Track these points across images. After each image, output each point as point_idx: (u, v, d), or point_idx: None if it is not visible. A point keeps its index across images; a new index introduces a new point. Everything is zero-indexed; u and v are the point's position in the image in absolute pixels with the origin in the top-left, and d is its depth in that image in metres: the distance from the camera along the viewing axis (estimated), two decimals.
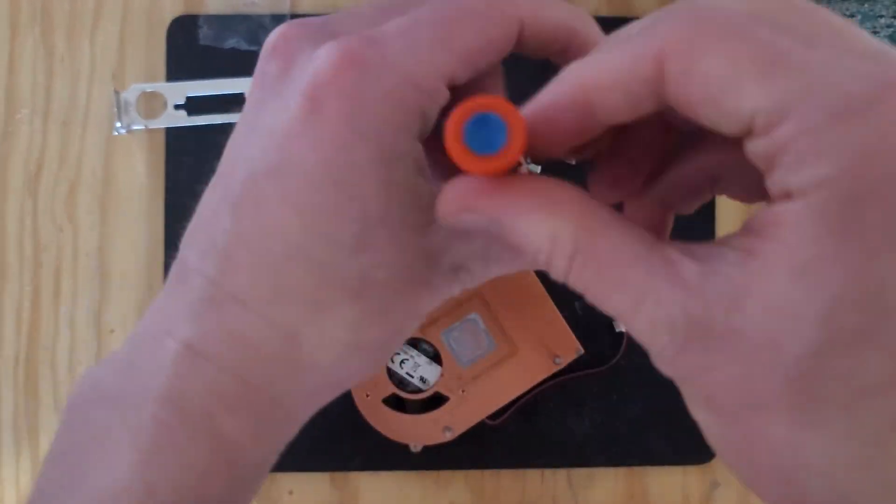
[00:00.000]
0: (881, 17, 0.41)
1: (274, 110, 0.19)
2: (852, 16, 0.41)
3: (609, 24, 0.42)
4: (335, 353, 0.21)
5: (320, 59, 0.19)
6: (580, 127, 0.17)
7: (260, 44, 0.40)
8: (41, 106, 0.40)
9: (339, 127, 0.19)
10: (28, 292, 0.40)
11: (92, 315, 0.40)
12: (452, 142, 0.16)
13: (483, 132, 0.16)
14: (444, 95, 0.20)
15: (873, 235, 0.14)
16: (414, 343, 0.38)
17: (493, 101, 0.16)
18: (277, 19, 0.40)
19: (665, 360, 0.17)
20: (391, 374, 0.38)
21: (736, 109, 0.15)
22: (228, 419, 0.20)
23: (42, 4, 0.41)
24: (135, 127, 0.40)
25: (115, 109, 0.39)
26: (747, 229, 0.16)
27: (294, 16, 0.40)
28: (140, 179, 0.40)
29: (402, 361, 0.38)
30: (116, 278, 0.40)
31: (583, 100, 0.17)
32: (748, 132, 0.15)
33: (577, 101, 0.17)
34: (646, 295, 0.16)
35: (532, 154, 0.19)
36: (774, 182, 0.15)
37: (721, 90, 0.15)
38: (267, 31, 0.40)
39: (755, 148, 0.15)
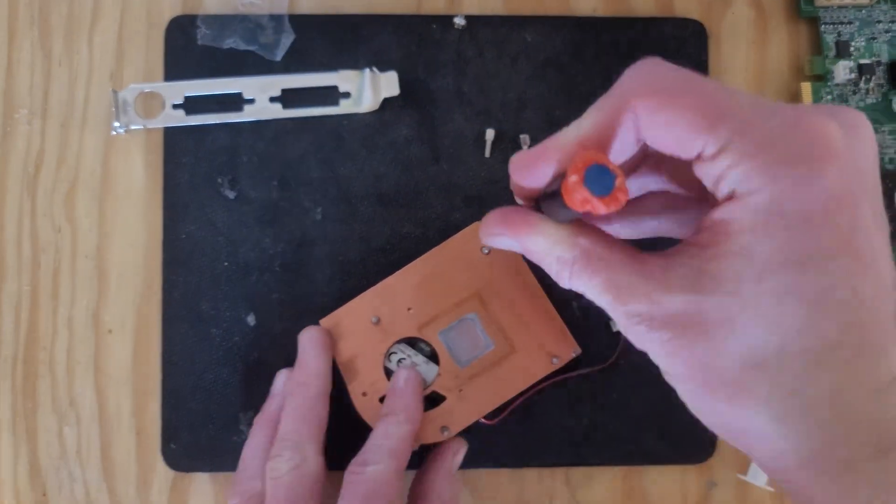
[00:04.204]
0: (879, 22, 0.41)
1: None
2: (850, 22, 0.41)
3: (606, 24, 0.42)
4: None
5: None
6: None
7: (259, 44, 0.40)
8: (39, 106, 0.41)
9: None
10: (26, 293, 0.40)
11: (90, 315, 0.40)
12: (575, 186, 0.21)
13: (596, 180, 0.21)
14: None
15: (794, 217, 0.21)
16: (411, 343, 0.38)
17: (600, 157, 0.21)
18: (276, 19, 0.40)
19: (641, 341, 0.23)
20: (388, 374, 0.38)
21: (692, 146, 0.22)
22: None
23: (40, 6, 0.41)
24: (133, 127, 0.40)
25: (114, 109, 0.39)
26: (699, 230, 0.22)
27: (292, 16, 0.41)
28: (138, 179, 0.40)
29: (399, 361, 0.38)
30: (114, 279, 0.40)
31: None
32: (699, 159, 0.22)
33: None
34: (623, 290, 0.23)
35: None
36: (720, 190, 0.22)
37: (681, 134, 0.22)
38: (266, 31, 0.40)
39: (705, 170, 0.22)
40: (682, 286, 0.22)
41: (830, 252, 0.21)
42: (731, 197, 0.21)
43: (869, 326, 0.21)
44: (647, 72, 0.23)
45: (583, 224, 0.25)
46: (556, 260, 0.24)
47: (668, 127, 0.22)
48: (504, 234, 0.26)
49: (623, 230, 0.28)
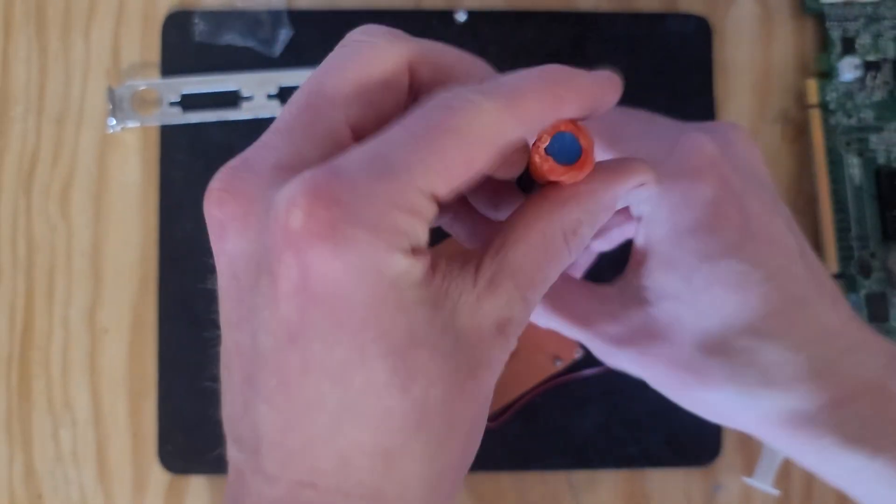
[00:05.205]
0: (885, 19, 0.41)
1: (263, 295, 0.19)
2: (856, 19, 0.41)
3: (608, 19, 0.41)
4: (423, 492, 0.19)
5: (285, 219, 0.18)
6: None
7: (257, 39, 0.40)
8: (35, 103, 0.40)
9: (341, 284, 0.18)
10: (21, 292, 0.40)
11: (86, 315, 0.40)
12: (540, 158, 0.20)
13: (559, 149, 0.21)
14: (431, 210, 0.18)
15: (691, 223, 0.24)
16: None
17: (568, 124, 0.21)
18: (274, 14, 0.40)
19: (616, 360, 0.28)
20: None
21: None
22: None
23: (36, 2, 0.40)
24: (129, 124, 0.39)
25: (110, 106, 0.39)
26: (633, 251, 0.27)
27: (290, 11, 0.40)
28: (134, 177, 0.40)
29: None
30: (110, 277, 0.40)
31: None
32: None
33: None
34: (590, 317, 0.27)
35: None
36: (635, 213, 0.26)
37: None
38: (263, 26, 0.40)
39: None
40: (634, 302, 0.26)
41: (733, 243, 0.24)
42: (640, 219, 0.25)
43: (792, 293, 0.24)
44: None
45: None
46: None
47: None
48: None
49: (600, 245, 0.31)
